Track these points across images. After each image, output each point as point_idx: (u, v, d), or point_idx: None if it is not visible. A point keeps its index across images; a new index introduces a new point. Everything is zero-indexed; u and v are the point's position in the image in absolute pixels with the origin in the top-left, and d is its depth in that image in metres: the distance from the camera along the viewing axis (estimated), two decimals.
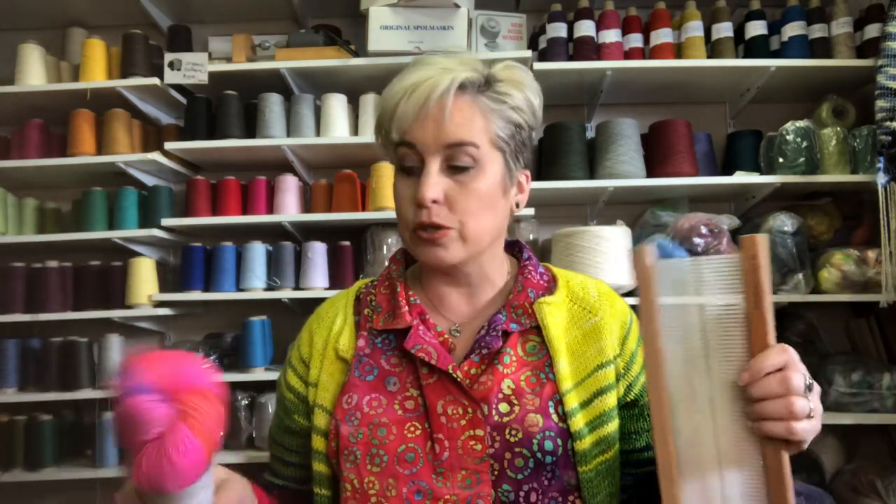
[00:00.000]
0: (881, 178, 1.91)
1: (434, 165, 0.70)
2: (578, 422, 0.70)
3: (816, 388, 0.59)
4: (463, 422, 0.69)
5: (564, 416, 0.70)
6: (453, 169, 0.70)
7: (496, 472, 0.68)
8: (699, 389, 0.60)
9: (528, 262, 0.81)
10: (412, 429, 0.70)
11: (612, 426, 0.72)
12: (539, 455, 0.69)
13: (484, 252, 0.75)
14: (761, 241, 0.56)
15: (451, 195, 0.70)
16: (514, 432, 0.69)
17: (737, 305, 0.58)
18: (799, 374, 0.57)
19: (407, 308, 0.76)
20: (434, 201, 0.69)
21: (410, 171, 0.72)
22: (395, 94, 0.71)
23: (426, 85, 0.69)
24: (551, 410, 0.71)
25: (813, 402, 0.58)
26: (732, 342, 0.58)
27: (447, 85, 0.69)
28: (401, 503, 0.68)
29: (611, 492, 0.73)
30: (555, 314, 0.75)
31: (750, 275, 0.56)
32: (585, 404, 0.72)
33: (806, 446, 0.58)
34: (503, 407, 0.70)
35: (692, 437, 0.59)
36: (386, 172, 2.03)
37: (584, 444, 0.70)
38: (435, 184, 0.69)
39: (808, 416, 0.56)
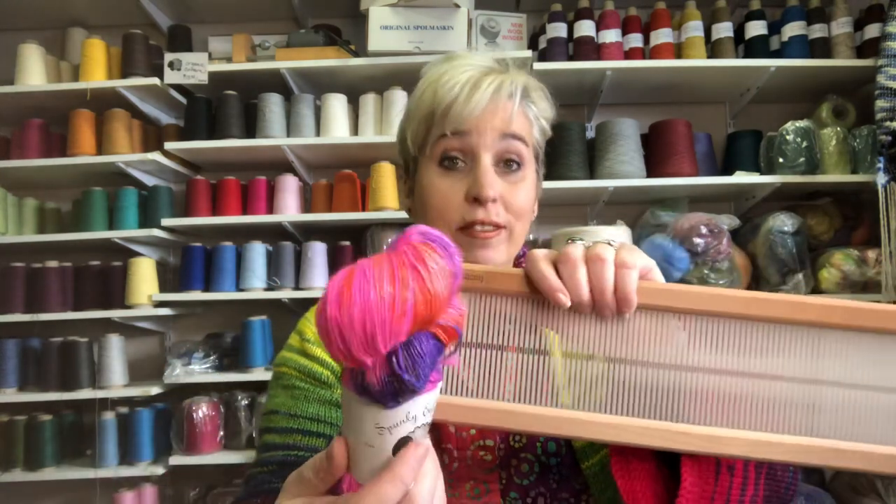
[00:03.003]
0: (881, 178, 1.91)
1: (488, 161, 0.67)
2: None
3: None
4: (472, 431, 0.68)
5: None
6: (503, 168, 0.68)
7: (504, 481, 0.67)
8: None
9: (522, 259, 0.79)
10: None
11: None
12: (543, 458, 0.68)
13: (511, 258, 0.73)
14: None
15: (504, 195, 0.67)
16: (517, 438, 0.68)
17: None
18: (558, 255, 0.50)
19: None
20: (493, 199, 0.66)
21: (453, 166, 0.68)
22: (450, 91, 0.66)
23: (489, 83, 0.66)
24: None
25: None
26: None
27: (513, 88, 0.68)
28: None
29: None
30: None
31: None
32: None
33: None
34: None
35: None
36: (386, 172, 2.03)
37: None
38: (495, 180, 0.66)
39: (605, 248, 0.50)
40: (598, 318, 0.50)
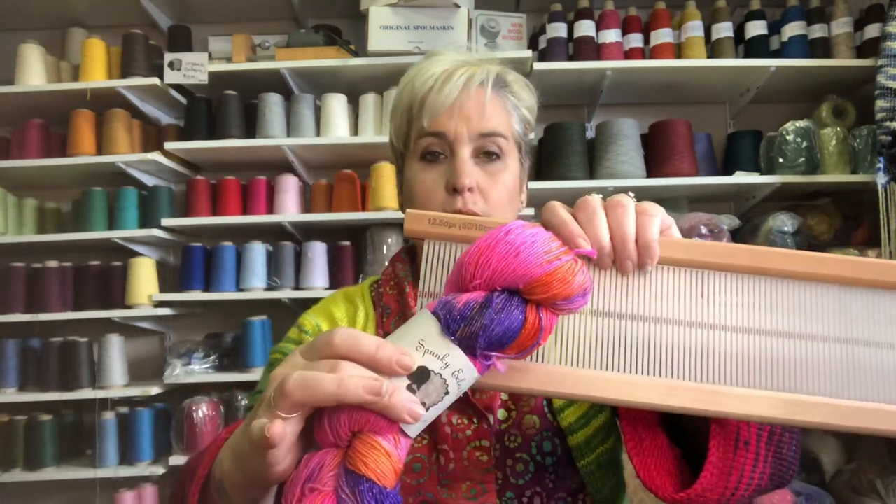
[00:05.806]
0: (881, 178, 1.91)
1: (466, 153, 0.69)
2: (568, 417, 0.69)
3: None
4: (468, 432, 0.68)
5: (555, 414, 0.70)
6: (482, 158, 0.70)
7: (500, 481, 0.67)
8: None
9: None
10: (418, 438, 0.68)
11: (604, 417, 0.71)
12: (539, 458, 0.68)
13: None
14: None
15: (482, 185, 0.69)
16: (512, 438, 0.69)
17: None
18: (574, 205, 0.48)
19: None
20: (469, 189, 0.68)
21: (435, 159, 0.70)
22: (425, 83, 0.69)
23: (462, 74, 0.68)
24: (546, 410, 0.70)
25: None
26: None
27: (485, 76, 0.69)
28: None
29: (616, 482, 0.72)
30: None
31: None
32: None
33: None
34: (501, 414, 0.70)
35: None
36: (386, 172, 2.03)
37: (578, 438, 0.69)
38: (471, 170, 0.68)
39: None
40: (619, 274, 0.48)
